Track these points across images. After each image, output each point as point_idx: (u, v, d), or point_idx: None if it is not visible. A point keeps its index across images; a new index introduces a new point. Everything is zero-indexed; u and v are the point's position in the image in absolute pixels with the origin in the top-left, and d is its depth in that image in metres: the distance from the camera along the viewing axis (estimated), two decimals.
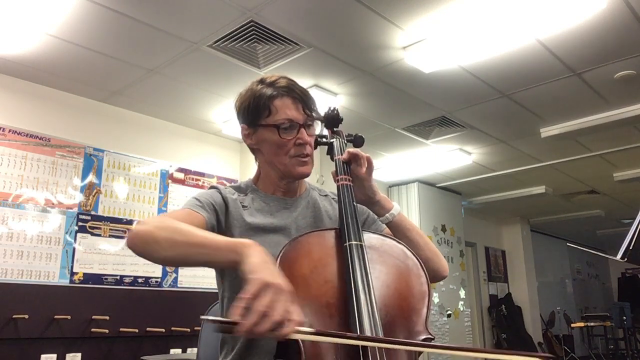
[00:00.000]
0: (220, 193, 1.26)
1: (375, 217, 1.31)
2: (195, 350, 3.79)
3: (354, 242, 1.09)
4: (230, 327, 0.80)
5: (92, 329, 3.57)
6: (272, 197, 1.30)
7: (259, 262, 0.90)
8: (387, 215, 1.26)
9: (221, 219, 1.21)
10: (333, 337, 0.91)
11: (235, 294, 1.20)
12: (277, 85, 1.23)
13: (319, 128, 1.35)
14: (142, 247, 1.01)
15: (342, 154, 1.29)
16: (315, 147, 1.31)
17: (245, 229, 1.22)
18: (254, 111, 1.24)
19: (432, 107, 4.21)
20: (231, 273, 1.21)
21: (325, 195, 1.41)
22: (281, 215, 1.27)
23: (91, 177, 3.87)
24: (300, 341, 0.93)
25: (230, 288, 1.22)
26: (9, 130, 3.53)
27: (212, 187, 1.29)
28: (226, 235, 1.20)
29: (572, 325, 8.45)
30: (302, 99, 1.24)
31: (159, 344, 3.91)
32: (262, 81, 1.26)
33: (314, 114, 1.27)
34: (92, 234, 3.78)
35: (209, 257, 0.99)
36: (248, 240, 0.98)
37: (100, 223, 3.84)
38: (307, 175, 1.28)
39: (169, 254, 1.00)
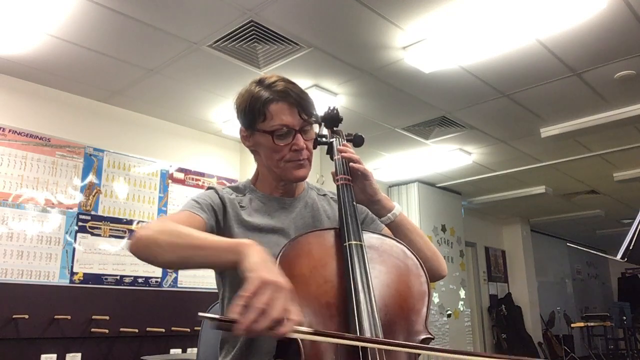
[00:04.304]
0: (218, 193, 1.25)
1: (374, 216, 1.31)
2: (195, 350, 3.79)
3: (353, 242, 1.09)
4: (229, 325, 0.79)
5: (92, 329, 3.57)
6: (270, 198, 1.30)
7: (259, 260, 0.90)
8: (388, 215, 1.26)
9: (220, 219, 1.21)
10: (332, 337, 0.90)
11: (235, 293, 1.20)
12: (274, 88, 1.21)
13: (317, 128, 1.34)
14: (145, 251, 1.02)
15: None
16: (315, 147, 1.30)
17: (243, 228, 1.22)
18: (250, 115, 1.23)
19: (432, 107, 4.21)
20: (231, 273, 1.21)
21: (324, 195, 1.40)
22: (279, 215, 1.27)
23: (91, 177, 3.87)
24: (299, 341, 0.93)
25: (231, 288, 1.22)
26: (9, 130, 3.53)
27: (209, 188, 1.29)
28: (225, 234, 1.20)
29: (572, 325, 8.45)
30: (299, 103, 1.21)
31: (159, 344, 3.91)
32: (260, 82, 1.24)
33: (311, 119, 1.24)
34: (92, 234, 3.78)
35: (210, 259, 1.00)
36: (247, 240, 0.98)
37: (100, 223, 3.84)
38: (304, 178, 1.27)
39: (171, 258, 1.01)
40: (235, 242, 0.98)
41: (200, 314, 0.82)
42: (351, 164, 1.26)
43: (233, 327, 0.79)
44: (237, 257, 0.93)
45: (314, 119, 1.26)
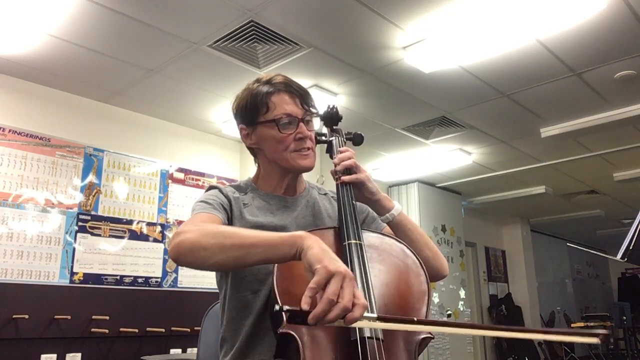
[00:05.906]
0: (222, 192, 1.26)
1: (375, 215, 1.31)
2: (195, 350, 3.79)
3: (353, 241, 1.09)
4: (300, 316, 0.83)
5: (92, 329, 3.57)
6: (272, 196, 1.30)
7: (320, 251, 0.90)
8: (387, 214, 1.26)
9: (229, 217, 1.22)
10: (401, 322, 0.93)
11: (238, 292, 1.20)
12: (274, 82, 1.24)
13: (318, 124, 1.35)
14: (190, 256, 1.00)
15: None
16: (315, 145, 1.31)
17: (247, 228, 1.22)
18: (252, 109, 1.24)
19: (432, 107, 4.21)
20: (234, 272, 1.21)
21: (325, 194, 1.41)
22: (281, 214, 1.27)
23: (91, 177, 3.87)
24: (299, 341, 0.93)
25: (233, 286, 1.22)
26: (9, 130, 3.53)
27: (211, 187, 1.28)
28: None
29: (572, 325, 8.44)
30: (300, 93, 1.24)
31: (159, 344, 3.91)
32: (258, 80, 1.27)
33: (312, 109, 1.26)
34: (92, 234, 3.78)
35: (264, 255, 0.96)
36: (301, 231, 0.97)
37: (100, 223, 3.84)
38: (311, 168, 1.27)
39: (222, 259, 0.97)
40: (289, 235, 0.95)
41: (277, 306, 0.87)
42: (343, 177, 1.23)
43: (304, 318, 0.83)
44: (295, 250, 0.93)
45: (315, 111, 1.27)
